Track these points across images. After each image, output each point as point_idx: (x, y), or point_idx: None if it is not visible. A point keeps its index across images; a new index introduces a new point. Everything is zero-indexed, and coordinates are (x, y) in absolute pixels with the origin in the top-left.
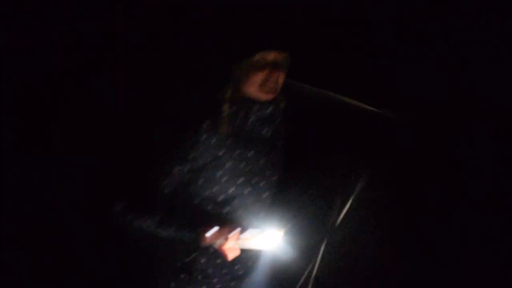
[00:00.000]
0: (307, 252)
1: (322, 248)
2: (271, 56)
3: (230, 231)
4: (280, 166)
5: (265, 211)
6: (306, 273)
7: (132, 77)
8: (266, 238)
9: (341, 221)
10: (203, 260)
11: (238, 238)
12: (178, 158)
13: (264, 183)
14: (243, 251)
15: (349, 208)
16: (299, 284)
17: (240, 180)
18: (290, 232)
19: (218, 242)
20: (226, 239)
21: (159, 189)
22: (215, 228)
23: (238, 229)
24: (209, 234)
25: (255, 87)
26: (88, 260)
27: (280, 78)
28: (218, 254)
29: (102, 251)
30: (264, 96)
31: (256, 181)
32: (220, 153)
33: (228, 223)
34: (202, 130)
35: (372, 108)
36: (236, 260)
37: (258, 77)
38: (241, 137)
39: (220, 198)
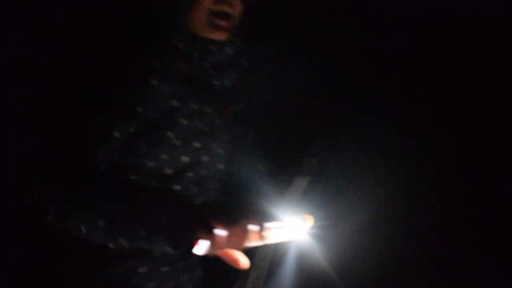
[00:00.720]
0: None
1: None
2: None
3: (246, 227)
4: (239, 129)
5: (220, 191)
6: None
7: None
8: (288, 230)
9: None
10: (142, 270)
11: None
12: (122, 112)
13: (222, 151)
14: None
15: None
16: None
17: (197, 144)
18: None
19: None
20: (243, 240)
21: (95, 162)
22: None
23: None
24: (220, 233)
25: (204, 15)
26: None
27: (236, 6)
28: (166, 260)
29: None
30: (216, 33)
31: (215, 146)
32: (175, 105)
33: (238, 213)
34: (153, 72)
35: None
36: (184, 268)
37: (206, 1)
38: (197, 86)
39: (168, 170)
